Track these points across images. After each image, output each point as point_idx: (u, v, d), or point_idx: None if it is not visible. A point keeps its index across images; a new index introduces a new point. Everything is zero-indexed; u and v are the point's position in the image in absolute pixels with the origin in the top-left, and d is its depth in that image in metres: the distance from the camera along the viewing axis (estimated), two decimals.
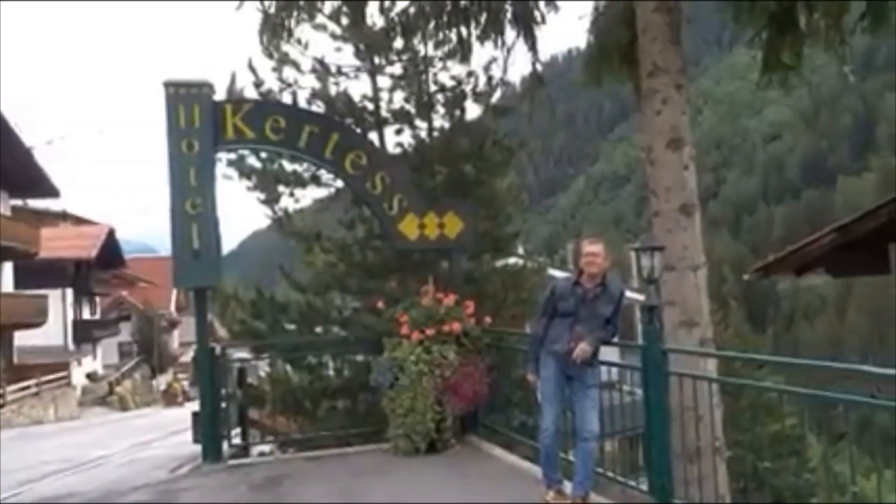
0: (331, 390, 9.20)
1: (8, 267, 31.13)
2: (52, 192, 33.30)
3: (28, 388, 27.49)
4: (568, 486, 5.33)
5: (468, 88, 10.00)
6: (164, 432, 18.02)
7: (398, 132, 10.37)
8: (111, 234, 39.42)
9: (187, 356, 48.82)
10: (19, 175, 30.09)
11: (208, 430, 7.33)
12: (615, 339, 5.55)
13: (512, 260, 10.88)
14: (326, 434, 8.36)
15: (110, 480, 7.94)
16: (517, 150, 10.15)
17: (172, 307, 50.80)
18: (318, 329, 9.81)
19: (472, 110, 10.46)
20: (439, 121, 10.30)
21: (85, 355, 37.21)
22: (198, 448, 7.90)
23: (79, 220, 40.92)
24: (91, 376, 36.36)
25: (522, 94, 10.11)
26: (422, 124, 10.33)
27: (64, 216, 39.81)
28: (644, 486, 5.24)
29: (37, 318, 30.98)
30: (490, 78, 9.89)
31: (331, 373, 9.49)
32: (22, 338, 31.47)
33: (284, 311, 9.39)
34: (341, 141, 7.87)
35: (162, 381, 41.40)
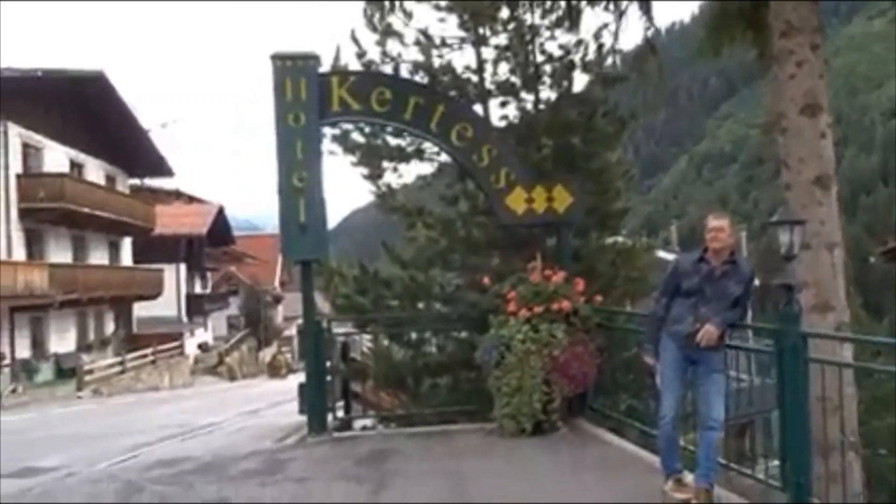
0: (433, 367, 9.09)
1: (127, 242, 32.98)
2: (167, 172, 34.96)
3: (146, 356, 29.07)
4: (688, 477, 4.97)
5: (577, 58, 9.56)
6: (269, 402, 18.60)
7: (503, 105, 10.06)
8: (221, 212, 41.06)
9: (290, 330, 50.55)
10: (137, 156, 31.74)
11: (314, 402, 7.36)
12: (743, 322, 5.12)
13: (620, 238, 10.43)
14: (429, 411, 8.25)
15: (221, 446, 8.13)
16: (629, 121, 9.65)
17: (277, 283, 52.52)
18: (420, 305, 9.70)
19: (580, 81, 10.05)
20: (546, 92, 9.93)
21: (197, 327, 39.05)
22: (302, 419, 7.98)
23: (191, 199, 42.82)
24: (202, 347, 38.16)
25: (633, 63, 9.61)
26: (527, 96, 9.97)
27: (178, 195, 41.75)
28: (776, 482, 4.82)
29: (153, 291, 32.72)
30: (600, 46, 9.41)
31: (433, 349, 9.38)
32: (140, 309, 33.33)
33: (388, 287, 9.33)
34: (447, 112, 7.67)
35: (267, 354, 42.96)
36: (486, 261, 9.61)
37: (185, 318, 37.13)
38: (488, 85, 9.95)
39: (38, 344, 24.91)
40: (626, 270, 9.23)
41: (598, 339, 7.16)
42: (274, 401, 18.72)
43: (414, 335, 9.32)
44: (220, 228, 40.69)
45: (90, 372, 25.51)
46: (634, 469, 5.71)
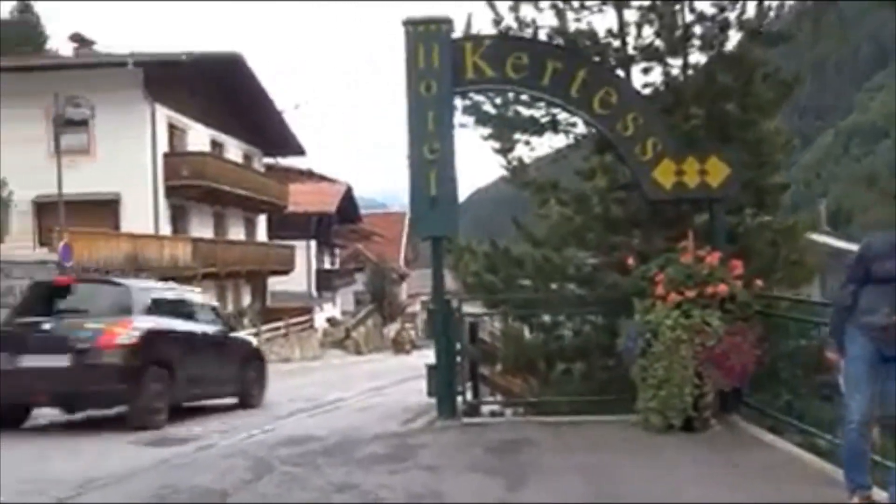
0: (566, 352, 8.56)
1: (262, 219, 34.30)
2: (299, 151, 36.03)
3: (279, 328, 30.19)
4: (881, 495, 4.23)
5: (733, 16, 8.62)
6: (394, 378, 18.66)
7: (645, 71, 9.27)
8: (349, 190, 42.02)
9: (414, 307, 51.27)
10: (272, 135, 32.85)
11: (444, 385, 7.06)
12: None
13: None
14: (563, 399, 7.76)
15: (347, 426, 8.00)
16: (794, 84, 8.63)
17: (402, 260, 53.35)
18: (553, 286, 9.18)
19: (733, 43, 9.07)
20: (694, 56, 9.05)
21: (326, 302, 40.26)
22: (427, 400, 7.79)
23: (321, 178, 44.01)
24: (330, 321, 39.30)
25: (799, 18, 8.57)
26: (674, 61, 9.14)
27: (310, 174, 43.01)
28: None
29: (286, 267, 33.93)
30: (761, 1, 8.43)
31: (567, 333, 8.84)
32: (273, 283, 34.69)
33: (519, 266, 8.86)
34: (589, 77, 7.10)
35: (391, 330, 43.73)
36: (625, 240, 8.93)
37: (314, 293, 38.34)
38: (630, 50, 9.20)
39: None
40: (786, 252, 8.29)
41: (758, 328, 6.42)
42: (400, 377, 18.78)
43: (546, 317, 8.82)
44: (348, 206, 41.65)
45: None
46: (806, 478, 4.99)
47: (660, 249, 7.93)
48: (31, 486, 5.22)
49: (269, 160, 36.10)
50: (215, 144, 29.04)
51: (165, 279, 23.88)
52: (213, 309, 10.98)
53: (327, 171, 44.39)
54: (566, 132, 9.66)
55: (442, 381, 7.06)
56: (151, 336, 8.33)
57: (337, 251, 45.33)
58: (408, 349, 36.52)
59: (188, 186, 25.10)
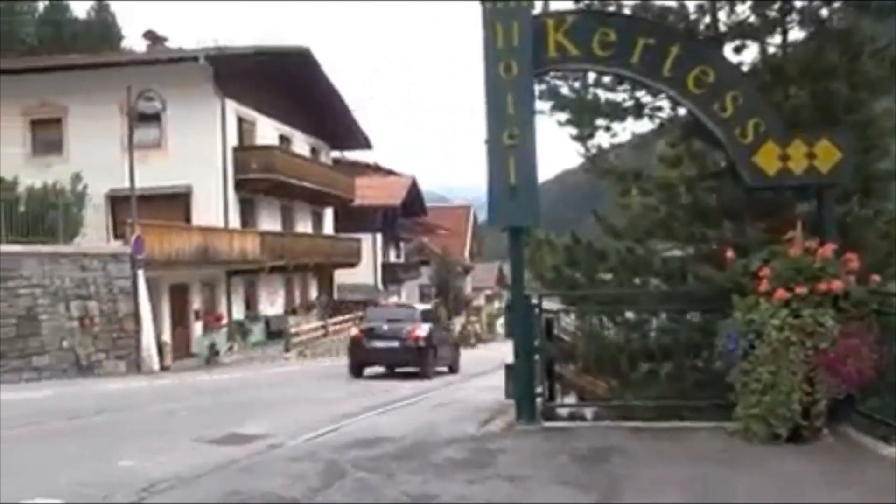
0: (652, 351, 7.98)
1: (329, 212, 34.45)
2: (366, 145, 36.04)
3: (345, 321, 30.24)
4: None
5: None
6: (462, 374, 18.36)
7: (737, 50, 8.59)
8: (414, 183, 41.86)
9: (479, 300, 50.83)
10: (339, 129, 32.93)
11: (523, 386, 6.61)
12: None
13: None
14: (651, 404, 7.20)
15: (420, 427, 7.65)
16: None
17: (466, 253, 53.01)
18: (636, 280, 8.61)
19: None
20: (794, 33, 8.32)
21: (391, 295, 40.20)
22: (501, 399, 7.49)
23: (387, 171, 44.00)
24: None
25: None
26: (771, 39, 8.43)
27: (376, 168, 43.05)
28: None
29: (353, 260, 34.00)
30: None
31: (652, 331, 8.26)
32: (340, 276, 34.82)
33: (602, 259, 8.33)
34: (682, 54, 6.50)
35: (456, 323, 43.41)
36: (716, 231, 8.30)
37: (380, 286, 38.35)
38: (722, 27, 8.53)
39: (250, 306, 26.65)
40: None
41: (874, 328, 5.76)
42: (470, 371, 18.51)
43: (630, 314, 8.26)
44: (413, 200, 41.49)
45: (296, 334, 26.94)
46: None
47: (757, 241, 7.31)
48: (92, 489, 5.01)
49: (336, 154, 36.24)
50: (283, 138, 29.22)
51: (233, 273, 24.31)
52: (431, 312, 19.36)
53: (391, 165, 44.41)
54: (650, 116, 9.06)
55: (522, 382, 6.61)
56: (428, 334, 16.82)
57: (402, 244, 45.29)
58: (473, 342, 36.12)
59: (257, 180, 25.29)
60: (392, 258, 42.23)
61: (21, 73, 23.65)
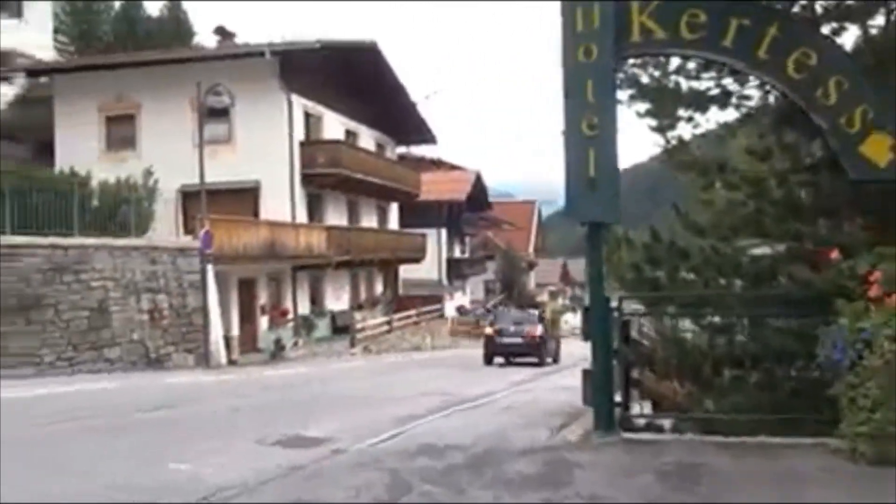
0: (740, 358, 7.39)
1: (394, 207, 34.39)
2: (431, 140, 35.83)
3: (410, 317, 30.15)
4: None
5: None
6: (531, 373, 17.94)
7: (835, 33, 7.90)
8: (479, 178, 41.46)
9: (542, 296, 50.11)
10: (404, 124, 32.78)
11: (602, 394, 6.18)
12: None
13: None
14: (742, 418, 6.64)
15: (491, 432, 7.30)
16: None
17: (531, 249, 52.36)
18: (722, 281, 8.01)
19: None
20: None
21: (456, 290, 40.01)
22: (575, 402, 7.27)
23: (451, 167, 43.73)
24: (460, 310, 38.98)
25: None
26: (872, 21, 7.72)
27: (440, 163, 42.83)
28: None
29: (418, 255, 33.85)
30: None
31: (739, 336, 7.66)
32: (405, 271, 34.73)
33: (685, 258, 7.78)
34: (781, 35, 5.94)
35: None
36: (810, 229, 7.65)
37: (445, 282, 38.15)
38: (818, 8, 7.86)
39: (316, 301, 26.77)
40: None
41: None
42: (539, 371, 18.06)
43: (714, 317, 7.68)
44: (478, 194, 41.09)
45: (361, 330, 26.94)
46: None
47: (858, 241, 6.68)
48: (131, 495, 4.82)
49: (402, 149, 36.15)
50: (349, 133, 29.23)
51: (299, 268, 24.44)
52: (542, 316, 24.35)
53: (455, 159, 44.11)
54: (737, 106, 8.44)
55: (600, 389, 6.19)
56: (542, 332, 22.09)
57: (467, 239, 44.99)
58: None
59: (323, 175, 25.33)
60: (457, 253, 41.96)
61: (97, 69, 24.26)
